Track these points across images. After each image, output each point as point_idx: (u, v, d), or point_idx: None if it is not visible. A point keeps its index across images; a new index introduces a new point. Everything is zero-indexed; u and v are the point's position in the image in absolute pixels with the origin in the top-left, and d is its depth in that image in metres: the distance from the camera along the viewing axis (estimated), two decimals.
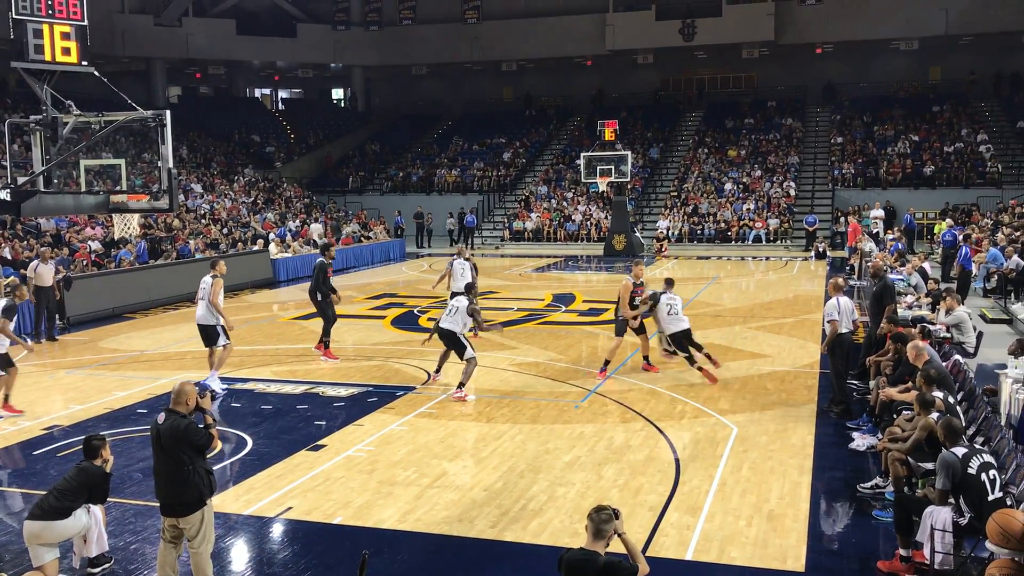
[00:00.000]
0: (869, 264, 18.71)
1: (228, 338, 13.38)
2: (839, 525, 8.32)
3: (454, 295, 15.96)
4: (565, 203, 40.35)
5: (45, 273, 17.92)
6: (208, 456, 6.93)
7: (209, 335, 13.27)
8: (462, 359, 12.64)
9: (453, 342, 12.69)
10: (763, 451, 10.19)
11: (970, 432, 8.80)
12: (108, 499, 7.78)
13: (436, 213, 40.12)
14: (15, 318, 11.89)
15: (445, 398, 12.66)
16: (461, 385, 12.56)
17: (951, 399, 8.70)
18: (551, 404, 12.35)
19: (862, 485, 9.00)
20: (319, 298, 15.23)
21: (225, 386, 13.47)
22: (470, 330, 13.33)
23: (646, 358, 14.23)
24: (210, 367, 13.48)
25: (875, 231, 30.37)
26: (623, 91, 48.49)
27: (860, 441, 10.41)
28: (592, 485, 9.21)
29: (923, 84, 44.04)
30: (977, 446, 7.47)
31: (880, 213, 32.68)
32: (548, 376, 13.97)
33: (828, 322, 11.62)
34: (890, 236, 27.96)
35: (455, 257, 17.27)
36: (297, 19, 47.70)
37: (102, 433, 8.34)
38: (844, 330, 11.56)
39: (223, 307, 13.21)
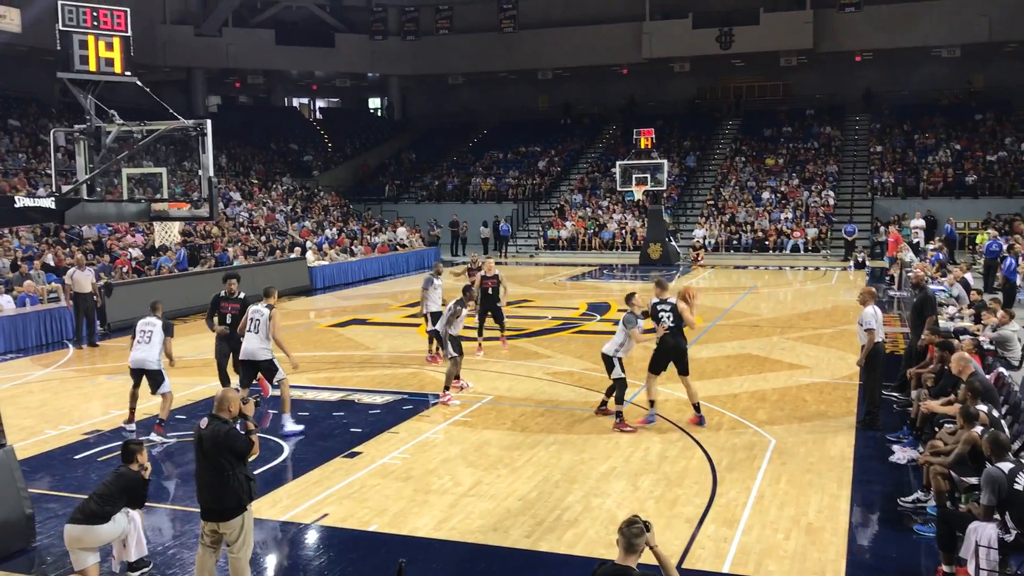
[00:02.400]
0: (909, 275, 18.43)
1: (289, 370, 11.96)
2: (879, 540, 8.19)
3: (429, 316, 15.61)
4: (600, 212, 40.25)
5: (82, 279, 18.20)
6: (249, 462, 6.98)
7: (267, 369, 11.58)
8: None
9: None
10: (801, 463, 10.06)
11: (1016, 447, 8.61)
12: (147, 504, 7.86)
13: (471, 222, 40.21)
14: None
15: (480, 406, 12.67)
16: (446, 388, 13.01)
17: (995, 412, 8.53)
18: (586, 414, 12.29)
19: (903, 499, 8.85)
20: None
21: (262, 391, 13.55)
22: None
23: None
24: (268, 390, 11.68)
25: (915, 241, 29.92)
26: (659, 99, 48.29)
27: (901, 454, 10.24)
28: (628, 496, 9.15)
29: (965, 92, 43.37)
30: None
31: (920, 223, 32.18)
32: (583, 385, 13.92)
33: (866, 331, 11.34)
34: (931, 246, 27.54)
35: (431, 275, 16.46)
36: (335, 29, 48.12)
37: (140, 439, 8.43)
38: (879, 339, 11.38)
39: (284, 340, 11.67)
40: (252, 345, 11.53)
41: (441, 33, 47.20)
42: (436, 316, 15.62)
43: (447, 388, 12.98)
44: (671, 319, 11.47)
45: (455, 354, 12.90)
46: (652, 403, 11.78)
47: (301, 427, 11.71)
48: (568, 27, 45.17)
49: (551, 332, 18.67)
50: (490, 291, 16.89)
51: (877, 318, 11.34)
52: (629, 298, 11.93)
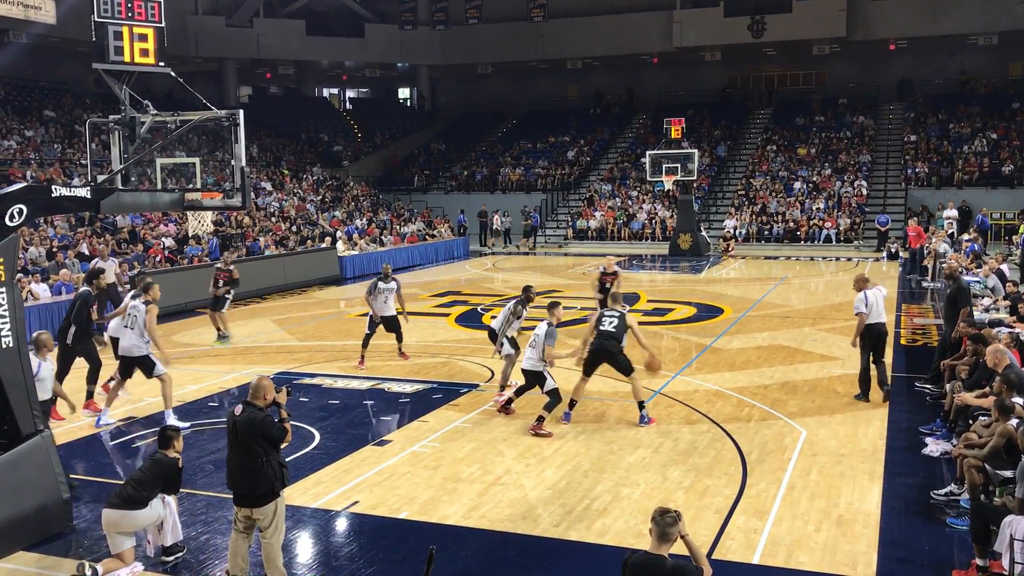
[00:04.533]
0: (944, 265, 18.19)
1: (164, 366, 11.69)
2: (912, 532, 8.11)
3: (382, 320, 14.68)
4: (630, 201, 40.09)
5: (106, 270, 17.92)
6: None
7: (144, 365, 11.49)
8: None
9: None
10: (832, 455, 10.00)
11: None
12: (181, 490, 7.98)
13: (499, 213, 40.19)
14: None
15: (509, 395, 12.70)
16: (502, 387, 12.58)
17: None
18: (615, 404, 12.29)
19: (936, 492, 8.76)
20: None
21: (295, 380, 13.69)
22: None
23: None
24: (105, 404, 11.83)
25: (949, 232, 29.50)
26: (690, 88, 47.98)
27: (933, 447, 10.14)
28: (657, 486, 9.14)
29: (1002, 80, 42.64)
30: None
31: (953, 213, 31.75)
32: (612, 376, 13.84)
33: (856, 315, 12.06)
34: (966, 237, 27.15)
35: (379, 279, 14.92)
36: (365, 19, 48.25)
37: (178, 425, 8.54)
38: (873, 320, 11.94)
39: (159, 336, 11.65)
40: (128, 341, 11.38)
41: (471, 23, 47.16)
42: (388, 320, 14.78)
43: (503, 387, 12.55)
44: (613, 325, 11.23)
45: (512, 351, 12.53)
46: (572, 403, 11.51)
47: (187, 424, 11.45)
48: (598, 16, 45.00)
49: (580, 323, 18.62)
50: (608, 286, 15.84)
51: (867, 301, 11.96)
52: (552, 307, 11.63)
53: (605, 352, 11.26)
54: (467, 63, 49.44)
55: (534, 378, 11.31)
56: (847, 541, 7.77)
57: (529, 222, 38.71)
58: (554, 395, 11.15)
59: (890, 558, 7.48)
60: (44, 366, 9.49)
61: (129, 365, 11.60)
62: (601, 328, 11.33)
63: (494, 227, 38.40)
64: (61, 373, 11.84)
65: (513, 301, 12.81)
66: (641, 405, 11.35)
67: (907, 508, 8.58)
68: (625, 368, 11.30)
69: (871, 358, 12.09)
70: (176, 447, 7.71)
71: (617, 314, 11.43)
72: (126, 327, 11.50)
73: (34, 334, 9.74)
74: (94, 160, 20.18)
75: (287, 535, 7.59)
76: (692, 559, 5.43)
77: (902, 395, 12.50)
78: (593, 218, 39.16)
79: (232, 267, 17.80)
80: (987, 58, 42.08)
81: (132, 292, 12.03)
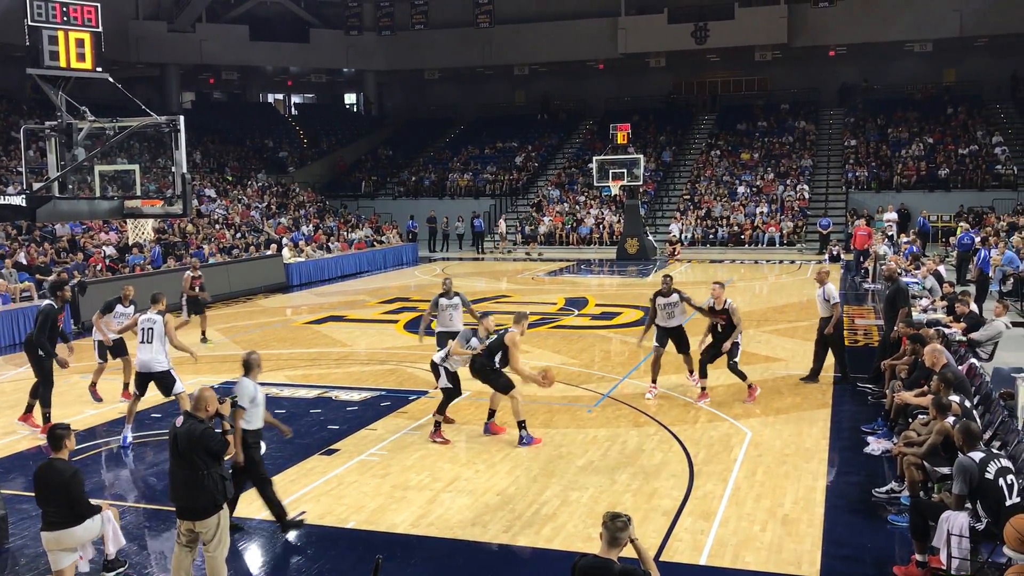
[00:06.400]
0: (883, 267, 18.59)
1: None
2: (854, 530, 8.26)
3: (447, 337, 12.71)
4: (577, 207, 40.32)
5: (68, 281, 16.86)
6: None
7: (165, 382, 11.00)
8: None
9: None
10: (777, 455, 10.14)
11: (987, 436, 8.71)
12: (123, 503, 7.79)
13: (449, 217, 40.18)
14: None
15: (457, 402, 12.63)
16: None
17: (967, 403, 8.63)
18: (564, 408, 12.33)
19: (877, 490, 8.94)
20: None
21: None
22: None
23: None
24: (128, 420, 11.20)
25: (889, 234, 30.14)
26: (635, 94, 48.43)
27: (875, 445, 10.35)
28: (606, 489, 9.18)
29: (937, 86, 43.79)
30: (994, 451, 7.40)
31: (894, 216, 32.47)
32: (561, 380, 13.90)
33: (832, 304, 12.94)
34: (904, 239, 27.77)
35: (440, 295, 13.26)
36: (310, 24, 47.85)
37: (66, 422, 7.97)
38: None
39: (186, 344, 11.31)
40: (145, 356, 10.83)
41: (417, 28, 47.06)
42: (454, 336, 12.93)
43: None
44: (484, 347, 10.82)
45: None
46: (491, 412, 11.31)
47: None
48: (544, 22, 45.20)
49: (529, 327, 18.65)
50: (719, 328, 12.70)
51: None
52: (483, 317, 11.51)
53: (483, 371, 10.83)
54: (414, 68, 49.34)
55: (433, 371, 11.06)
56: (792, 540, 7.89)
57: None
58: (445, 393, 10.98)
59: (834, 556, 7.62)
60: (260, 391, 8.36)
61: (146, 381, 11.01)
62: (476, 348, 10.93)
63: (501, 231, 38.28)
64: (48, 386, 11.54)
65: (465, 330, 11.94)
66: (521, 425, 10.81)
67: (850, 506, 8.75)
68: (503, 387, 10.82)
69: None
70: (68, 446, 7.10)
71: (497, 336, 10.86)
72: (142, 342, 10.91)
73: (245, 354, 8.44)
74: (31, 167, 19.67)
75: (233, 547, 7.46)
76: (641, 563, 5.46)
77: (845, 395, 12.74)
78: (542, 223, 39.29)
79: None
80: (923, 65, 43.19)
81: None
